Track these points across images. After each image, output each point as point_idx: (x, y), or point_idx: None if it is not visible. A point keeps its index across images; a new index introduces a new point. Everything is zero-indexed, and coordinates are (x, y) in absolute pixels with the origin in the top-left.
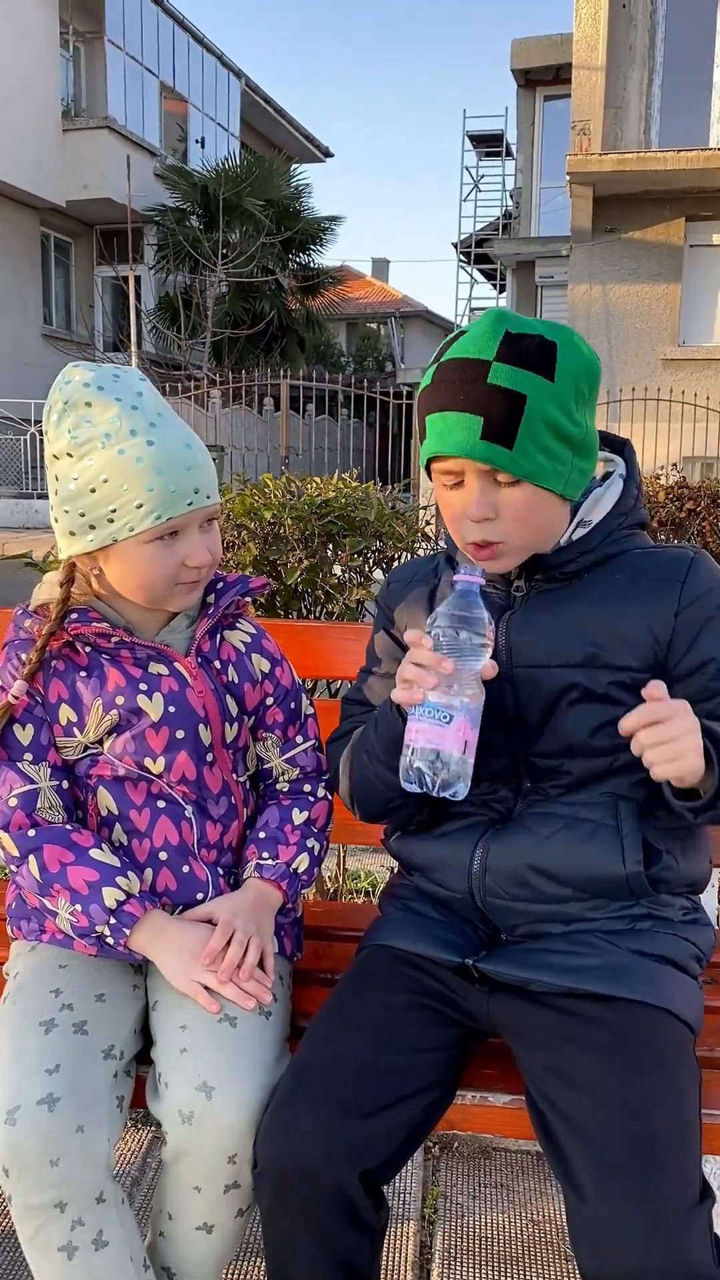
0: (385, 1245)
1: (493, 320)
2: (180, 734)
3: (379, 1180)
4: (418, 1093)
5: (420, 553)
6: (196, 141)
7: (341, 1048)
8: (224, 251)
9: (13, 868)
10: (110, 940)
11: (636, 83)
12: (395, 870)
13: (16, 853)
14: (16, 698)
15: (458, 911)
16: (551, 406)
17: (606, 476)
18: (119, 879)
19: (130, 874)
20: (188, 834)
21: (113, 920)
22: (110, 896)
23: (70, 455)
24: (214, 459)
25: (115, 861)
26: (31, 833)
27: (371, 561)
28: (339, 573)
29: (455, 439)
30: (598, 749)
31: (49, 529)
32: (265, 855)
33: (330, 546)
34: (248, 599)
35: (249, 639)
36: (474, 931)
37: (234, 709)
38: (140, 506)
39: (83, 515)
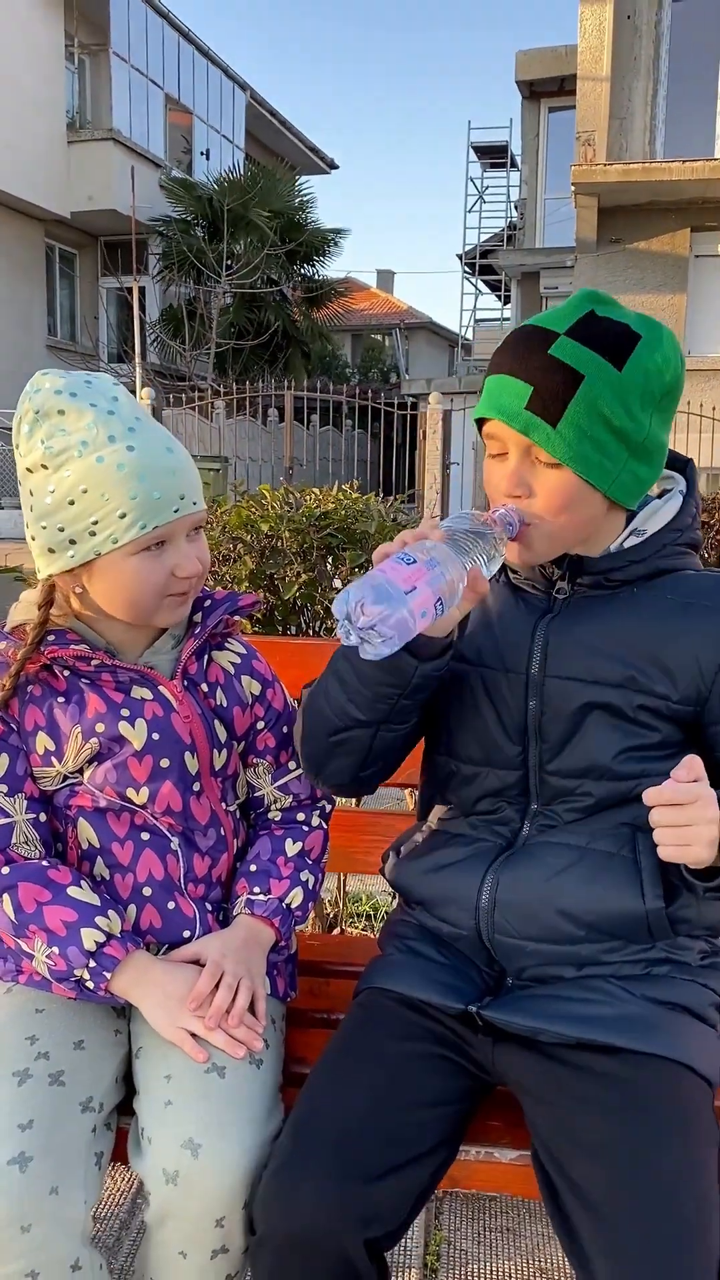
0: None
1: (582, 296)
2: (165, 762)
3: (384, 1247)
4: (426, 1153)
5: None
6: (201, 153)
7: (345, 1103)
8: (228, 262)
9: None
10: (90, 984)
11: (641, 93)
12: (396, 904)
13: None
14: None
15: (462, 951)
16: (609, 394)
17: (664, 494)
18: (99, 919)
19: (111, 913)
20: (174, 868)
21: (92, 963)
22: (89, 938)
23: (45, 467)
24: (217, 470)
25: (95, 900)
26: (5, 870)
27: None
28: (339, 587)
29: (500, 403)
30: (620, 773)
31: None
32: (256, 890)
33: (330, 560)
34: (237, 617)
35: (239, 660)
36: (478, 975)
37: (223, 734)
38: (124, 516)
39: (62, 530)
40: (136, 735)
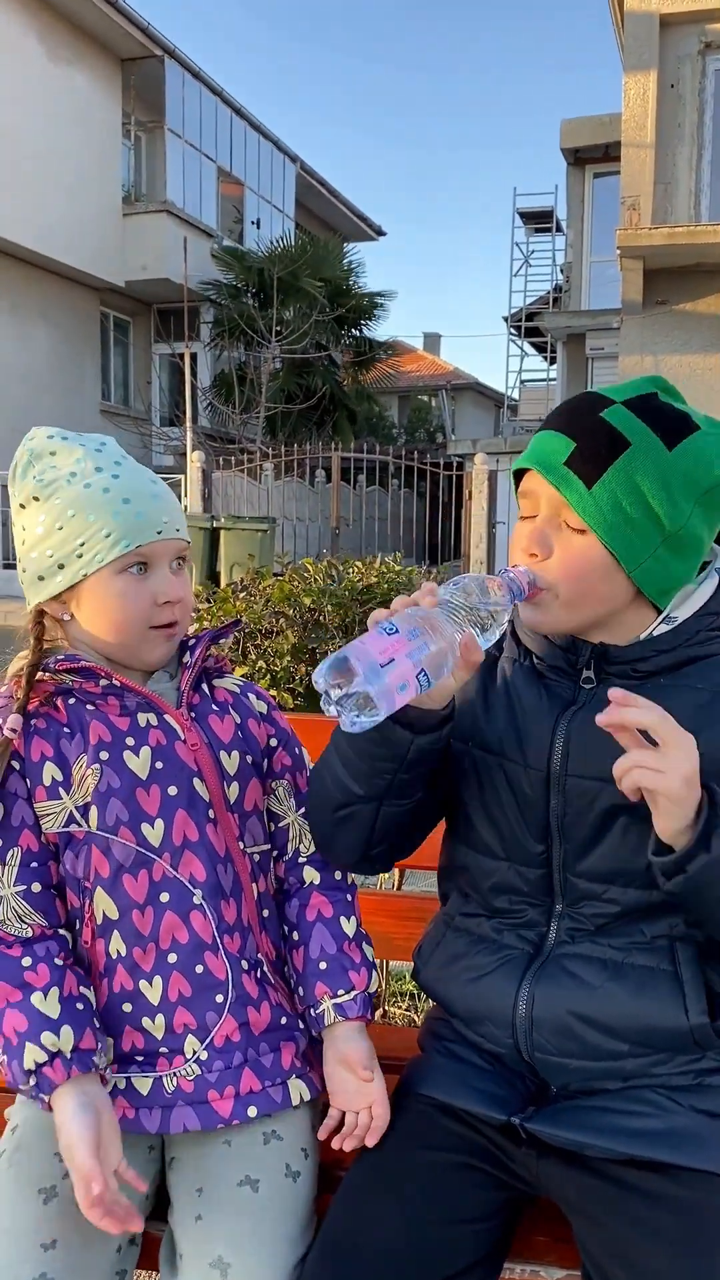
0: None
1: (649, 379)
2: (173, 790)
3: None
4: (463, 1271)
5: None
6: (253, 223)
7: (379, 1223)
8: (278, 328)
9: None
10: (30, 1092)
11: (685, 159)
12: (437, 1007)
13: None
14: (14, 730)
15: (505, 1064)
16: (652, 469)
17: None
18: (45, 1035)
19: (65, 1029)
20: (201, 926)
21: (31, 1081)
22: (30, 1056)
23: (36, 499)
24: (265, 530)
25: (54, 1012)
26: None
27: None
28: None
29: (540, 455)
30: (649, 880)
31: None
32: (341, 992)
33: None
34: (225, 657)
35: (240, 685)
36: (522, 1084)
37: (233, 765)
38: (109, 535)
39: (51, 555)
40: (140, 764)
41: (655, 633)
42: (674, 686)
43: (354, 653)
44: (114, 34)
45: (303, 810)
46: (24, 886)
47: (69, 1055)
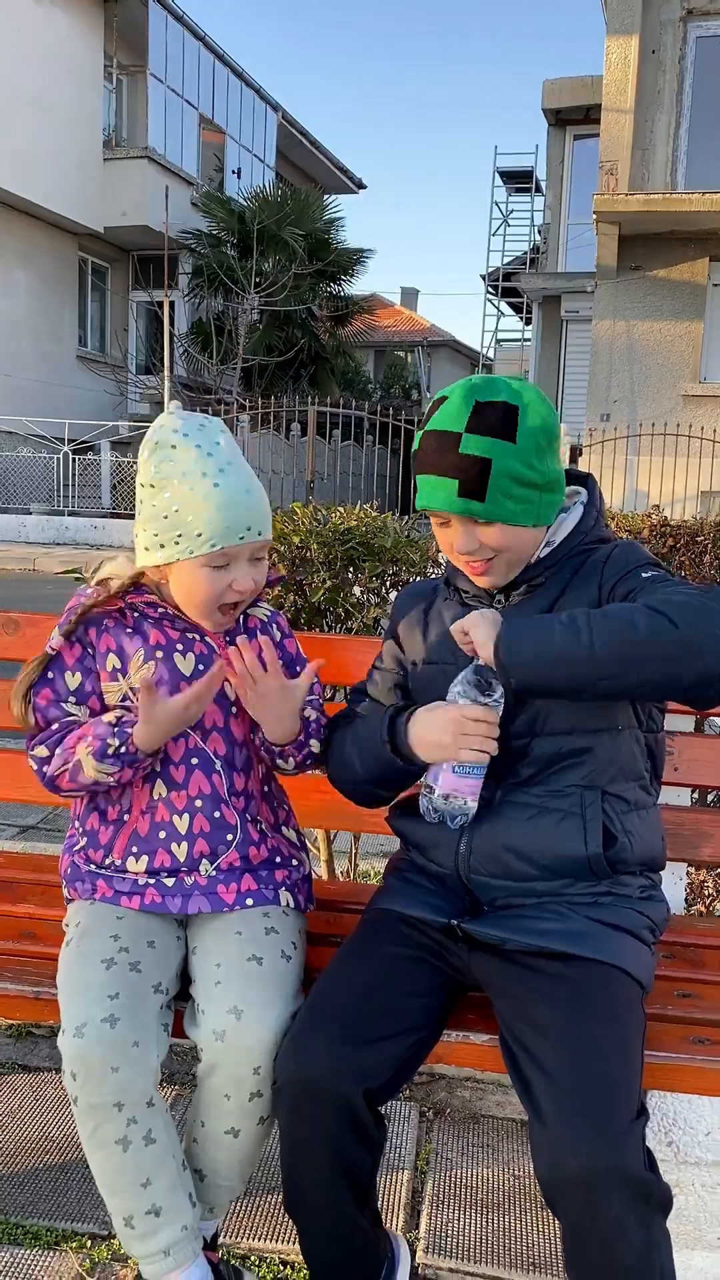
0: (381, 1190)
1: (464, 392)
2: None
3: (378, 1100)
4: (410, 1029)
5: (430, 575)
6: (233, 172)
7: (348, 988)
8: (257, 280)
9: (45, 769)
10: (119, 748)
11: (664, 126)
12: (399, 846)
13: (48, 752)
14: (54, 649)
15: (447, 885)
16: (515, 464)
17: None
18: (111, 713)
19: (125, 712)
20: (219, 784)
21: (115, 729)
22: (108, 718)
23: (153, 486)
24: None
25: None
26: (58, 734)
27: (388, 584)
28: (358, 593)
29: (438, 497)
30: (555, 728)
31: (79, 545)
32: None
33: (351, 569)
34: (265, 589)
35: (269, 614)
36: (459, 900)
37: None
38: (200, 535)
39: (156, 535)
40: (186, 664)
41: (541, 556)
42: (554, 583)
43: (465, 807)
44: None
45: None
46: None
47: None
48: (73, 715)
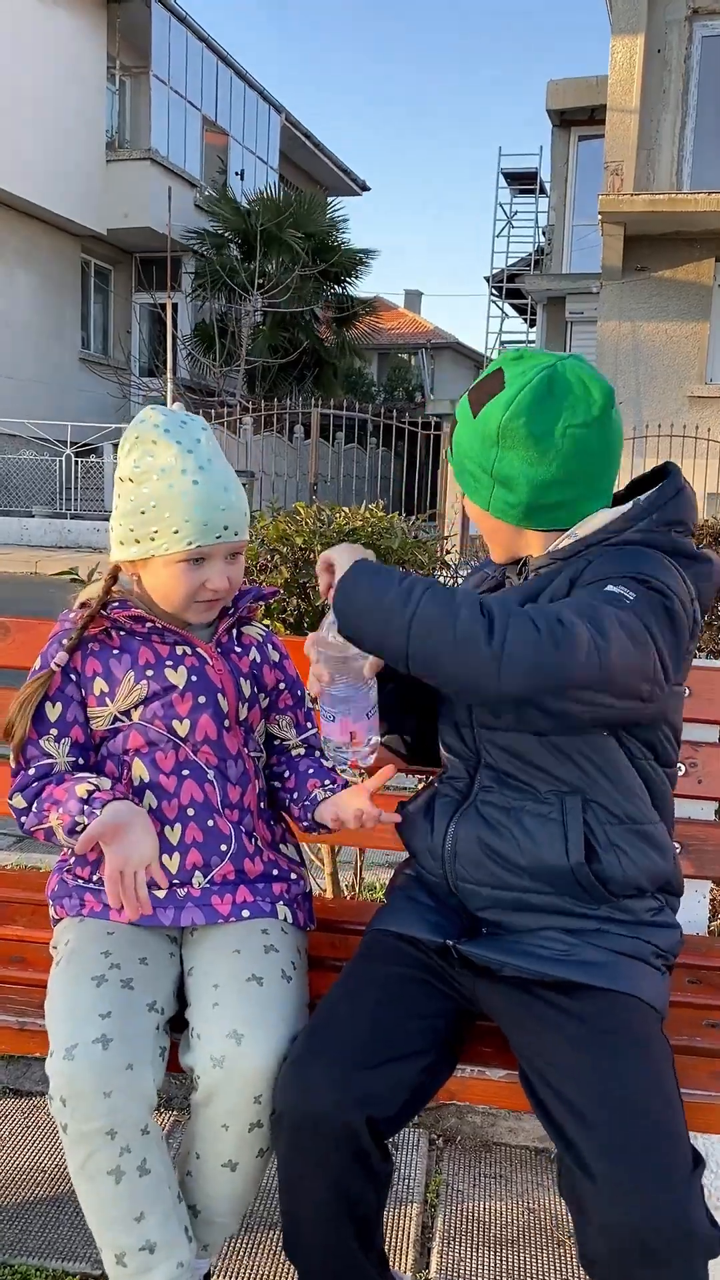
0: (389, 1225)
1: (503, 358)
2: (202, 699)
3: (385, 1132)
4: (418, 1053)
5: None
6: (236, 174)
7: (350, 1011)
8: (260, 281)
9: (23, 820)
10: (84, 824)
11: (669, 126)
12: (404, 861)
13: (25, 804)
14: (58, 665)
15: (440, 897)
16: (466, 435)
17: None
18: (88, 780)
19: (103, 779)
20: (212, 794)
21: (85, 808)
22: (82, 789)
23: (131, 480)
24: (244, 484)
25: (92, 778)
26: (36, 783)
27: None
28: None
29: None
30: (530, 720)
31: (81, 548)
32: (327, 783)
33: None
34: (259, 605)
35: (263, 634)
36: (458, 918)
37: (248, 690)
38: (177, 533)
39: (132, 530)
40: (179, 678)
41: (562, 545)
42: (553, 574)
43: (333, 747)
44: None
45: (304, 737)
46: (73, 759)
47: (109, 789)
48: (51, 758)
